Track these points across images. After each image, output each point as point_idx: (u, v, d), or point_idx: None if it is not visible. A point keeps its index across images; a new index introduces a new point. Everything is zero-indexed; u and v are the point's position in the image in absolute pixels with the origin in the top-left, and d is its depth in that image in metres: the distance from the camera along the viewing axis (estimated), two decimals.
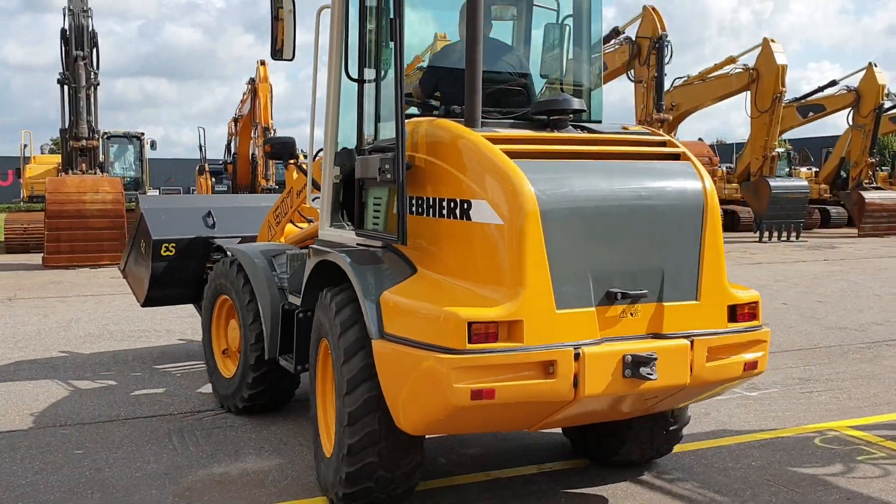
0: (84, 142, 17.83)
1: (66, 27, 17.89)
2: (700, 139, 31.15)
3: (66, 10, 17.86)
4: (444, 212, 3.66)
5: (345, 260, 3.93)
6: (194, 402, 6.15)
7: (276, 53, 4.91)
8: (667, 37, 20.77)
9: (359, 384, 3.70)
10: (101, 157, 19.75)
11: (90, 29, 17.99)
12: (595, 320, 3.43)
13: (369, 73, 4.30)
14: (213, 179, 28.64)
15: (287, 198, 6.42)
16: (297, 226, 6.62)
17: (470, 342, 3.24)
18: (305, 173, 5.62)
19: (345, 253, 4.02)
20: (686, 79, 24.26)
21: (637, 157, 3.87)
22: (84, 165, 17.89)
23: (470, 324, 3.24)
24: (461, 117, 3.88)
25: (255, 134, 22.99)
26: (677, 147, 3.97)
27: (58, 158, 22.50)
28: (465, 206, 3.54)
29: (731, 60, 22.64)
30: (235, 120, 26.08)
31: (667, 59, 20.90)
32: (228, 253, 6.16)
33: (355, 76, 4.30)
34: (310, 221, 6.60)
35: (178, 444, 5.15)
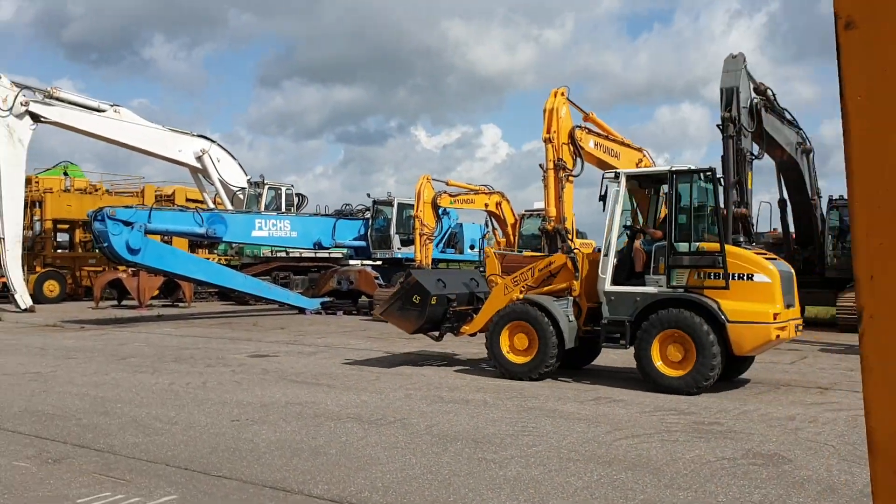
0: None
1: None
2: None
3: None
4: (736, 277, 10.37)
5: (698, 298, 10.34)
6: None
7: None
8: None
9: (714, 343, 10.16)
10: None
11: None
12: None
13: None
14: None
15: (529, 271, 12.04)
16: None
17: (773, 319, 10.06)
18: (575, 265, 11.53)
19: (681, 296, 10.44)
20: None
21: (772, 259, 11.09)
22: None
23: (774, 314, 10.07)
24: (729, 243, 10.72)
25: None
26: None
27: None
28: (750, 275, 10.31)
29: None
30: None
31: None
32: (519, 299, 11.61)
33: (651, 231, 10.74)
34: (530, 287, 12.29)
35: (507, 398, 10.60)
